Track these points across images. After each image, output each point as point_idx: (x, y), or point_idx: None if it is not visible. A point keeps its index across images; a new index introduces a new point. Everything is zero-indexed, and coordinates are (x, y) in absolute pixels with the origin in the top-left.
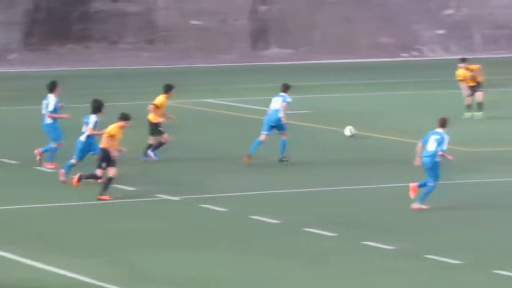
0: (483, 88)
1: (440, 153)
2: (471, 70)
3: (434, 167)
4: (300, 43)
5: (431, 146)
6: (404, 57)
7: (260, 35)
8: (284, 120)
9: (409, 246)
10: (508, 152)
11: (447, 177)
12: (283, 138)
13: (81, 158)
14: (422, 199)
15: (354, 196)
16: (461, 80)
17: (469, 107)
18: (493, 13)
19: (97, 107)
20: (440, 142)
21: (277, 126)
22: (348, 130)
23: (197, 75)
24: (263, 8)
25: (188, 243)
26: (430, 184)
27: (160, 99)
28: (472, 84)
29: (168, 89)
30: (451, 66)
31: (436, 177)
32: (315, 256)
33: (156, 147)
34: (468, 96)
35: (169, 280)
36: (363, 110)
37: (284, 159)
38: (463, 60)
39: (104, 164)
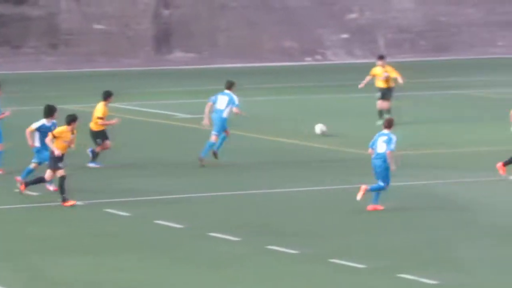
0: (391, 96)
1: (388, 151)
2: (387, 71)
3: (384, 169)
4: (203, 47)
5: (381, 148)
6: (308, 61)
7: (163, 39)
8: (243, 113)
9: (314, 250)
10: (418, 156)
11: (359, 181)
12: (212, 140)
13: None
14: (376, 199)
15: (261, 201)
16: (374, 75)
17: (381, 113)
18: (396, 17)
19: (47, 111)
20: (388, 142)
21: (218, 126)
22: (318, 129)
23: (101, 79)
24: (166, 12)
25: (91, 247)
26: (381, 184)
27: (100, 108)
28: (383, 86)
29: (107, 95)
30: (355, 70)
31: (386, 179)
32: (216, 261)
33: (97, 152)
34: (379, 99)
35: (71, 285)
36: (267, 114)
37: (201, 160)
38: (381, 58)
39: (62, 163)
